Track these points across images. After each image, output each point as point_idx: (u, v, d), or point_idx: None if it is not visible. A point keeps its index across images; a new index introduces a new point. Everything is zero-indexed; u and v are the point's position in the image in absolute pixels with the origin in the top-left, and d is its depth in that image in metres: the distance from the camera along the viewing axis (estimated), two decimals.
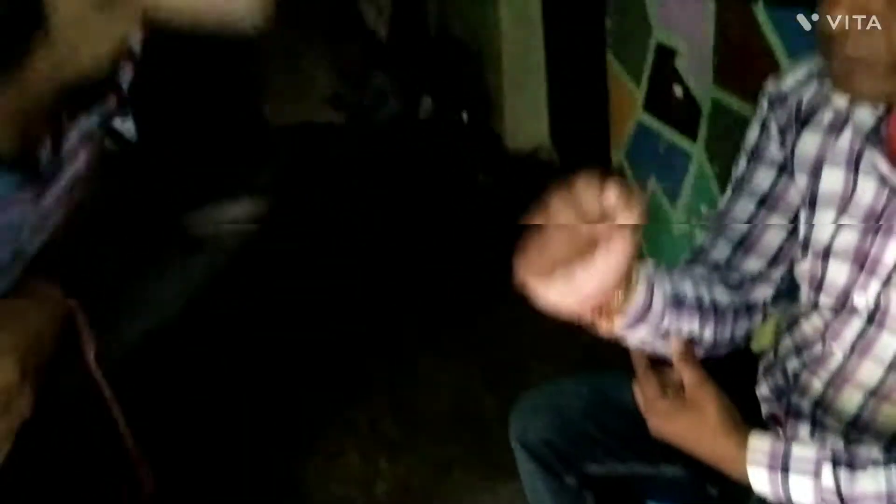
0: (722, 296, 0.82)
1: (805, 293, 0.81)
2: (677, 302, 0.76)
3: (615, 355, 0.94)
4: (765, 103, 0.82)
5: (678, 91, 1.83)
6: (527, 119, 3.26)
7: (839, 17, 0.61)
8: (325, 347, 2.11)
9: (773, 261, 0.83)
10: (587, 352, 1.86)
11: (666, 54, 1.86)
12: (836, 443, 0.79)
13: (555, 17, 2.94)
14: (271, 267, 2.49)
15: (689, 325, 0.78)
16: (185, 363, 1.94)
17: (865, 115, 0.72)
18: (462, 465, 1.67)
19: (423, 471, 1.67)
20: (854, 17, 0.61)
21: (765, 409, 0.88)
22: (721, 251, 0.84)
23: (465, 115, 3.16)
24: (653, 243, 2.12)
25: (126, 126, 4.61)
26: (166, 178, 3.78)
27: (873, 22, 0.60)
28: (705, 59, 1.66)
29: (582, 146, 2.75)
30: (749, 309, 0.85)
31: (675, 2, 1.77)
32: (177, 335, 1.99)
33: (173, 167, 3.79)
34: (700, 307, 0.79)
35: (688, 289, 0.78)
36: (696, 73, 1.74)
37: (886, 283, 0.72)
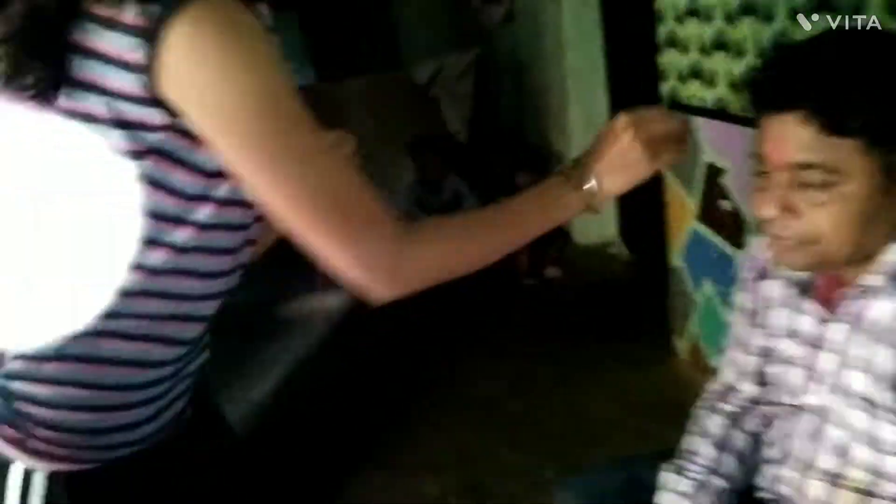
0: (742, 442, 1.09)
1: (776, 395, 1.01)
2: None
3: (654, 440, 1.15)
4: (746, 263, 1.07)
5: (727, 205, 2.03)
6: (594, 216, 3.50)
7: (768, 209, 0.84)
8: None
9: (759, 383, 1.09)
10: (634, 437, 2.05)
11: (715, 172, 2.08)
12: None
13: None
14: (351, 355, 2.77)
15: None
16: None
17: (800, 273, 0.96)
18: None
19: None
20: (782, 212, 0.84)
21: (763, 495, 1.06)
22: (729, 377, 1.14)
23: None
24: (710, 341, 2.28)
25: None
26: (263, 270, 4.17)
27: (792, 212, 0.84)
28: (749, 179, 1.87)
29: (646, 244, 2.96)
30: (766, 420, 1.09)
31: (722, 127, 2.00)
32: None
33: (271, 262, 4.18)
34: (735, 484, 1.07)
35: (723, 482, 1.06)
36: (741, 190, 1.95)
37: (828, 387, 0.92)
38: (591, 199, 0.84)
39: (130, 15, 0.64)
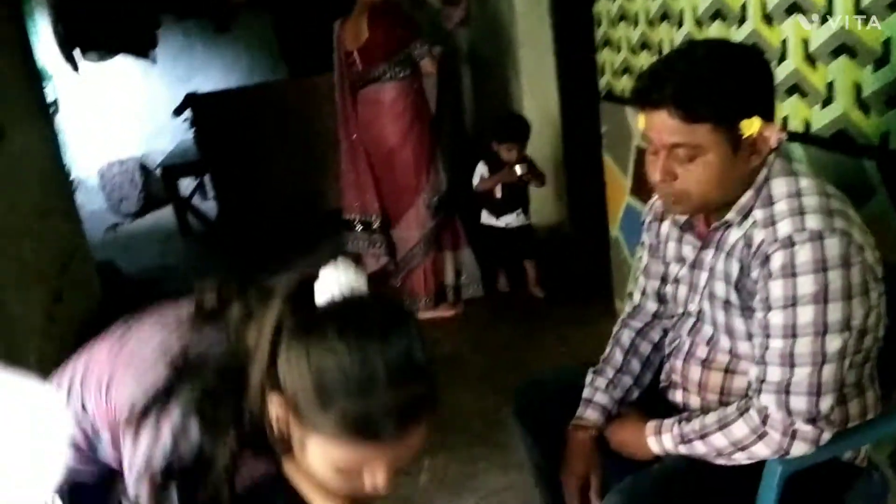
0: (647, 348, 1.46)
1: (670, 307, 1.37)
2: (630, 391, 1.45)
3: None
4: (648, 211, 1.42)
5: None
6: (548, 204, 3.87)
7: (655, 175, 1.17)
8: None
9: (659, 301, 1.44)
10: None
11: (643, 153, 2.44)
12: (693, 403, 1.32)
13: (568, 118, 3.60)
14: None
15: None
16: None
17: (681, 216, 1.30)
18: (486, 460, 2.20)
19: (457, 465, 2.20)
20: (665, 176, 1.16)
21: (661, 385, 1.42)
22: (637, 298, 1.48)
23: None
24: None
25: (207, 206, 5.38)
26: (241, 247, 4.44)
27: (671, 176, 1.16)
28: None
29: (591, 222, 3.33)
30: (665, 332, 1.45)
31: None
32: None
33: (247, 239, 4.46)
34: (638, 382, 1.44)
35: (630, 379, 1.44)
36: None
37: (702, 296, 1.28)
38: None
39: None
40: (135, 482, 0.90)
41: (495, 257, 3.35)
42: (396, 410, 0.82)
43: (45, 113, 3.68)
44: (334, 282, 0.87)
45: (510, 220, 3.29)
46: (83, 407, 1.04)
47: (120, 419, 0.93)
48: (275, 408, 0.87)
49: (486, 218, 3.33)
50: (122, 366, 0.99)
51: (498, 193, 3.26)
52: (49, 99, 4.22)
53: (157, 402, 0.90)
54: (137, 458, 0.90)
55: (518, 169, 3.16)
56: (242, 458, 0.93)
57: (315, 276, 0.88)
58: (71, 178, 4.25)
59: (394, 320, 0.86)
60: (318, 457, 0.87)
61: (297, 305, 0.87)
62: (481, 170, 3.24)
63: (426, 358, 0.86)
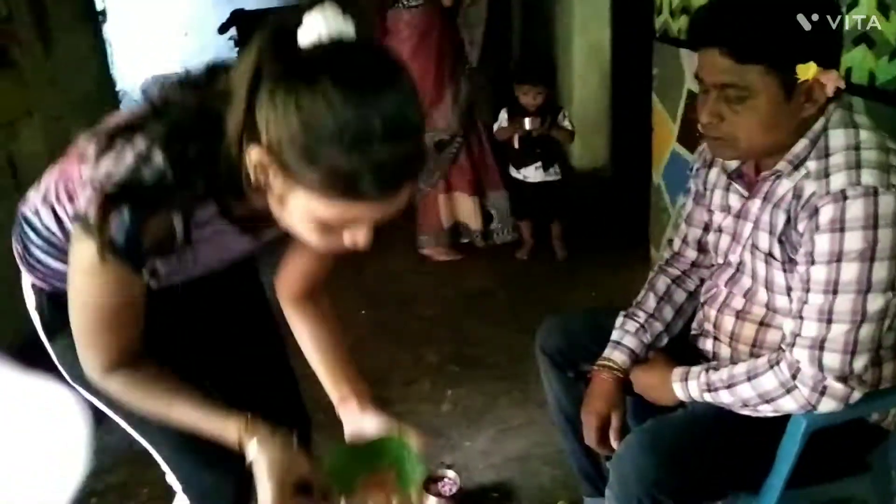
0: (681, 297, 1.43)
1: (710, 256, 1.35)
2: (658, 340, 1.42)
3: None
4: (697, 157, 1.38)
5: None
6: (591, 146, 3.80)
7: (704, 117, 1.13)
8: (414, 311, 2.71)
9: (699, 250, 1.42)
10: None
11: (694, 98, 2.36)
12: (723, 353, 1.31)
13: (618, 59, 3.49)
14: None
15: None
16: None
17: (731, 163, 1.27)
18: (508, 395, 2.23)
19: (479, 397, 2.24)
20: (712, 118, 1.13)
21: (693, 332, 1.41)
22: (677, 245, 1.46)
23: None
24: None
25: None
26: None
27: (719, 118, 1.12)
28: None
29: (632, 167, 3.27)
30: (702, 282, 1.43)
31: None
32: None
33: None
34: (669, 329, 1.42)
35: (660, 325, 1.42)
36: None
37: (744, 247, 1.25)
38: (244, 446, 1.00)
39: None
40: (87, 197, 0.87)
41: (519, 209, 3.21)
42: (387, 168, 0.79)
43: (93, 21, 3.68)
44: (322, 27, 0.79)
45: (528, 173, 3.09)
46: (56, 198, 1.01)
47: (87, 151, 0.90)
48: (254, 158, 0.82)
49: (510, 168, 3.19)
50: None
51: (516, 144, 3.07)
52: (98, 7, 4.20)
53: (126, 131, 0.88)
54: (95, 174, 0.87)
55: (527, 123, 2.97)
56: (205, 205, 0.91)
57: (298, 23, 0.80)
58: (117, 88, 4.26)
59: (390, 72, 0.80)
60: (299, 212, 0.85)
61: (279, 50, 0.80)
62: (502, 116, 3.06)
63: (419, 116, 0.82)
